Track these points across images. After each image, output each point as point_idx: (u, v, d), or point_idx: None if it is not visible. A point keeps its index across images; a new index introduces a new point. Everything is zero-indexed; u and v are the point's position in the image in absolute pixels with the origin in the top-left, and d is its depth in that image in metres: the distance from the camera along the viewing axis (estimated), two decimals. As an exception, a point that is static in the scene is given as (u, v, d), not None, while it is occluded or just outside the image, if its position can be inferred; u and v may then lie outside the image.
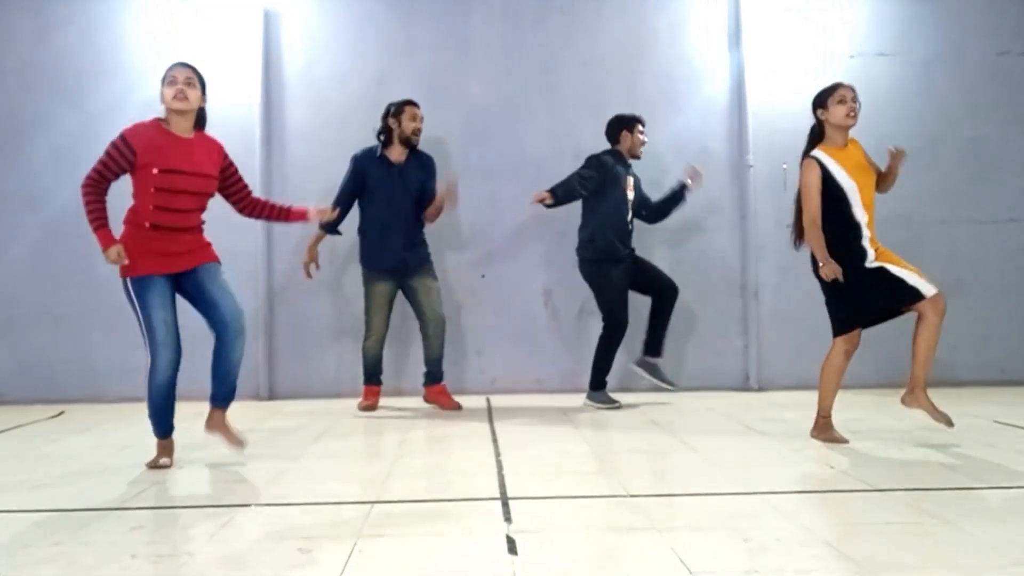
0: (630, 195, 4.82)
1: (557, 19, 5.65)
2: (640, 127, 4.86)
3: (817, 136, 3.69)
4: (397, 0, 5.61)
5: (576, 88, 5.62)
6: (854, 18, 5.68)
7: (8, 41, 5.49)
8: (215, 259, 3.36)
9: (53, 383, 5.39)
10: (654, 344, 4.86)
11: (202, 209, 3.36)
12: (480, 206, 5.50)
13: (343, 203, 4.64)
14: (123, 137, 3.23)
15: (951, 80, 5.68)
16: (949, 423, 3.48)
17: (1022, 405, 4.67)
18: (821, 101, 3.67)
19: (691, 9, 5.68)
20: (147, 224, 3.22)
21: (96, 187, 3.25)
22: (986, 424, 4.05)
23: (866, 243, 3.56)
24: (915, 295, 3.46)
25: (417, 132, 4.73)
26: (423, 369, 4.87)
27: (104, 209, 3.26)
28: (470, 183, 5.18)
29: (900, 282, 3.48)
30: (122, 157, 3.21)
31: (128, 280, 3.23)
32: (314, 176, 5.51)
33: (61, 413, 4.92)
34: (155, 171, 3.18)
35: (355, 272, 5.43)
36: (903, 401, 3.61)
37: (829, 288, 3.59)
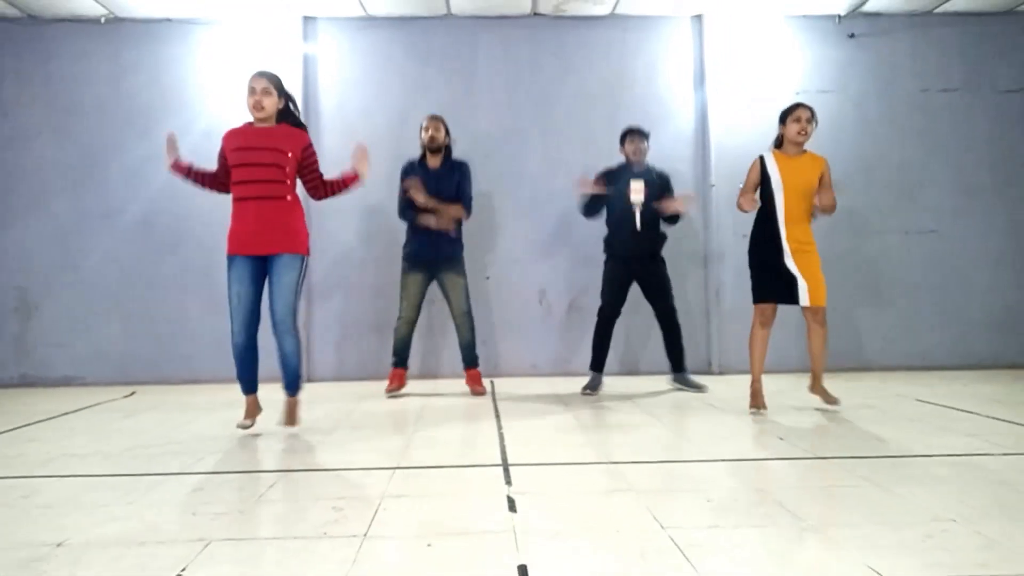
0: (635, 198, 4.43)
1: (551, 61, 5.65)
2: (635, 137, 4.57)
3: (778, 144, 3.80)
4: (414, 45, 5.61)
5: (566, 119, 5.62)
6: (799, 61, 5.68)
7: (89, 83, 5.49)
8: (289, 249, 3.26)
9: (125, 369, 5.39)
10: (672, 362, 4.66)
11: (281, 182, 3.27)
12: (485, 218, 5.50)
13: (402, 202, 4.59)
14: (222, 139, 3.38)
15: (881, 113, 5.67)
16: (837, 402, 3.68)
17: (941, 387, 4.67)
18: (782, 117, 3.74)
19: (663, 53, 5.68)
20: (233, 197, 3.28)
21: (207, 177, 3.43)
22: (910, 402, 4.06)
23: (783, 238, 3.63)
24: (796, 300, 3.59)
25: (432, 140, 4.58)
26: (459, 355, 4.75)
27: (200, 174, 3.41)
28: (477, 200, 5.16)
29: (792, 284, 3.59)
30: (220, 154, 3.36)
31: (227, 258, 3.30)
32: (345, 196, 5.49)
33: (132, 393, 4.92)
34: (231, 150, 3.28)
35: (383, 273, 5.45)
36: (809, 389, 3.77)
37: (749, 264, 3.78)
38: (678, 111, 5.66)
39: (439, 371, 5.52)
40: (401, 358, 4.73)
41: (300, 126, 3.43)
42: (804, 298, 3.58)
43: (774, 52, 5.67)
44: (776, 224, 3.67)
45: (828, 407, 3.70)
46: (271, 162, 3.25)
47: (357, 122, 5.57)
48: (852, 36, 5.67)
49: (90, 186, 5.47)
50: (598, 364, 4.65)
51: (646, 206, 4.44)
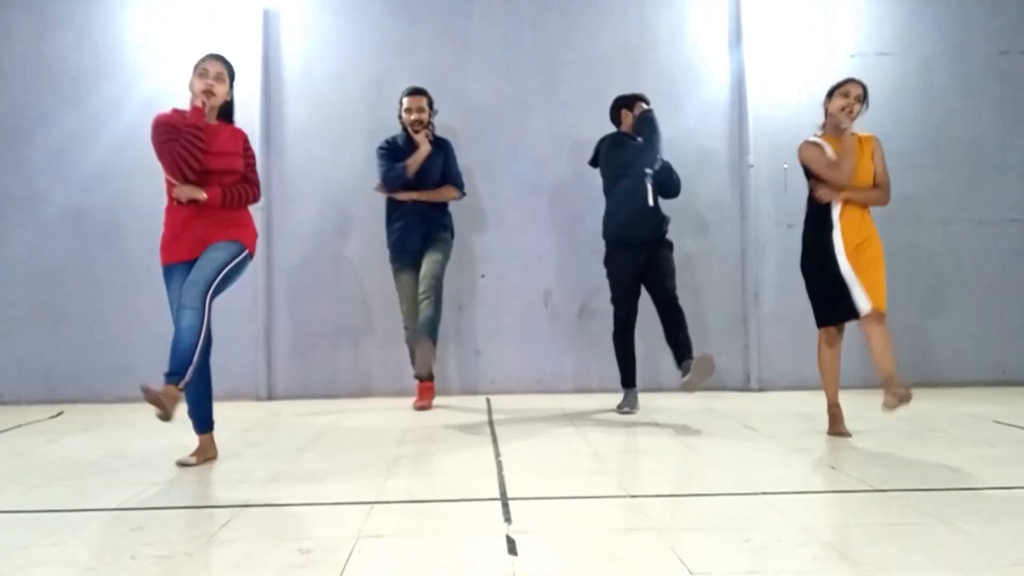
0: (648, 172, 4.54)
1: (557, 18, 5.65)
2: (643, 105, 4.64)
3: (824, 127, 3.82)
4: (397, 0, 5.62)
5: (576, 88, 5.62)
6: (854, 18, 5.69)
7: (6, 40, 5.50)
8: (232, 238, 3.28)
9: (51, 384, 5.40)
10: (677, 352, 4.49)
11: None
12: (480, 205, 5.51)
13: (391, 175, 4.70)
14: (152, 126, 3.30)
15: (951, 79, 5.68)
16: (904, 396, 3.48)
17: (1022, 405, 4.67)
18: (830, 91, 3.77)
19: (692, 8, 5.69)
20: (173, 205, 3.30)
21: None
22: (986, 424, 4.06)
23: (836, 236, 3.64)
24: (853, 313, 3.60)
25: (417, 123, 4.68)
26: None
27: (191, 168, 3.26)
28: (470, 182, 5.18)
29: (848, 297, 3.59)
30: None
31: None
32: (313, 175, 5.53)
33: (60, 414, 4.92)
34: None
35: (359, 272, 5.46)
36: (883, 406, 3.57)
37: (805, 283, 3.82)
38: (709, 78, 5.67)
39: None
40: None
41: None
42: (863, 305, 3.55)
43: (824, 6, 5.67)
44: (829, 224, 3.68)
45: (933, 422, 3.67)
46: (231, 169, 3.31)
47: (327, 90, 5.58)
48: (917, -12, 5.68)
49: (9, 165, 5.47)
50: (628, 379, 4.66)
51: (654, 179, 4.56)
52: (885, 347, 3.59)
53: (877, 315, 3.59)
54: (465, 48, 5.63)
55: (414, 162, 4.66)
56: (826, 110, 3.77)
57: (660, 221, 4.59)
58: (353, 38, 5.61)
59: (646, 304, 4.62)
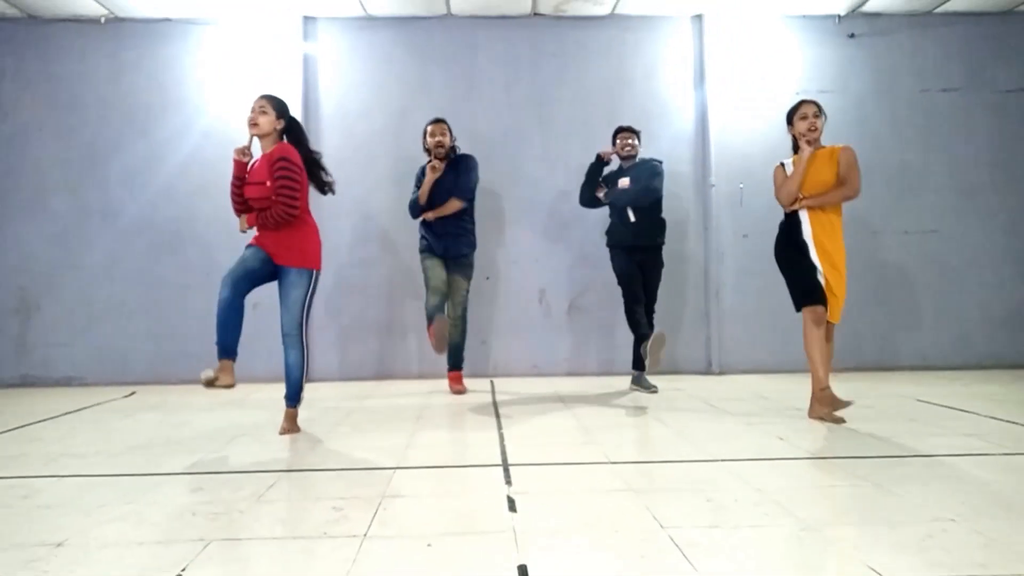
0: (623, 189, 4.57)
1: (549, 62, 5.65)
2: (623, 134, 4.63)
3: (795, 149, 3.62)
4: (415, 46, 5.62)
5: (566, 120, 5.62)
6: (800, 60, 5.68)
7: (89, 81, 5.50)
8: (296, 264, 3.30)
9: (125, 368, 5.40)
10: (636, 364, 4.63)
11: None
12: (485, 219, 5.50)
13: (412, 203, 4.68)
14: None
15: (881, 113, 5.68)
16: (842, 409, 3.42)
17: (940, 387, 4.67)
18: (789, 118, 3.62)
19: (663, 53, 5.69)
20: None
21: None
22: (910, 402, 4.06)
23: (810, 246, 3.47)
24: (824, 301, 3.43)
25: (439, 146, 4.58)
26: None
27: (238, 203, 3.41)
28: (478, 199, 5.17)
29: (814, 290, 3.44)
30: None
31: None
32: (345, 194, 5.46)
33: (133, 393, 4.92)
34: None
35: (384, 273, 5.47)
36: (809, 415, 3.51)
37: (782, 270, 3.60)
38: (678, 111, 5.67)
39: (440, 372, 5.52)
40: (455, 361, 4.70)
41: (299, 143, 3.43)
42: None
43: (774, 52, 5.67)
44: (800, 232, 3.50)
45: (862, 405, 3.44)
46: (259, 195, 3.31)
47: (357, 122, 5.58)
48: (852, 36, 5.67)
49: (90, 185, 5.47)
50: (636, 362, 4.61)
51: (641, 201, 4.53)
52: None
53: (831, 330, 3.47)
54: (472, 87, 5.63)
55: (423, 191, 4.57)
56: (793, 135, 3.60)
57: (640, 231, 4.54)
58: (379, 79, 5.61)
59: (618, 301, 4.61)
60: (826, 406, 3.44)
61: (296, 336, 3.30)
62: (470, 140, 5.45)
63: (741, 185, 5.57)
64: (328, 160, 5.47)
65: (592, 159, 4.71)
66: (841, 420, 3.38)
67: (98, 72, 5.50)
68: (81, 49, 5.49)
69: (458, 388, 4.69)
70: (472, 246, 4.74)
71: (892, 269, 5.65)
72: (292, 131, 3.41)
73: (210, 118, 5.46)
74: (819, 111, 3.54)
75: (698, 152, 5.64)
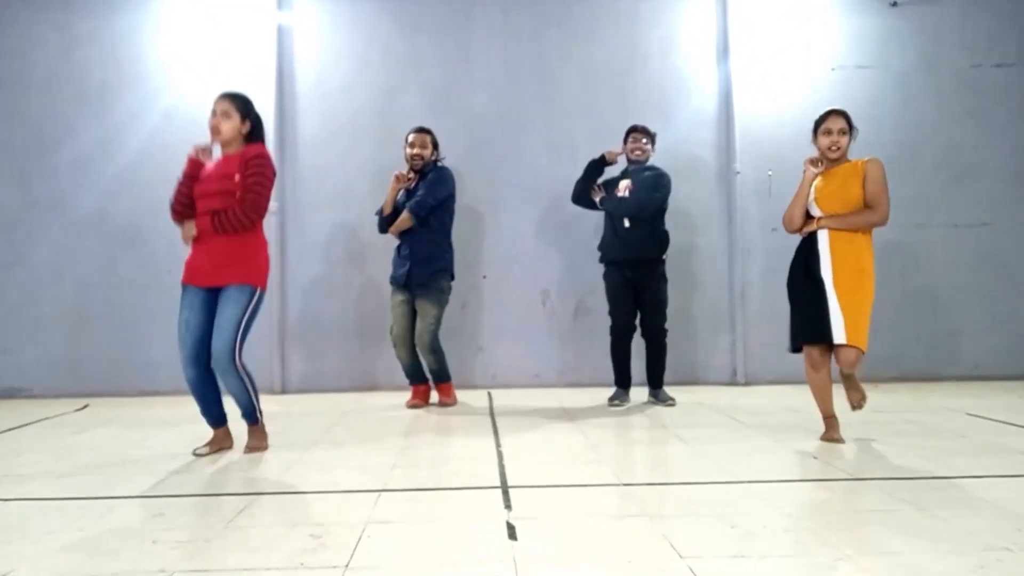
0: (621, 196, 4.62)
1: (554, 33, 5.65)
2: (635, 135, 4.68)
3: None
4: (403, 16, 5.62)
5: (572, 99, 5.62)
6: (836, 32, 5.69)
7: (35, 55, 5.50)
8: (238, 280, 3.26)
9: (77, 378, 5.40)
10: (651, 380, 4.68)
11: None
12: (481, 210, 5.51)
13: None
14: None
15: (927, 91, 5.68)
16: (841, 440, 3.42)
17: (992, 399, 4.67)
18: (815, 127, 3.54)
19: (681, 24, 5.69)
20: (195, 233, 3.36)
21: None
22: (959, 416, 4.06)
23: (822, 268, 3.40)
24: (826, 336, 3.35)
25: (415, 158, 4.60)
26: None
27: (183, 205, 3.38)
28: (472, 189, 5.19)
29: (823, 318, 3.35)
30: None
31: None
32: (324, 182, 5.53)
33: (85, 406, 4.92)
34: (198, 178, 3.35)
35: (366, 272, 5.47)
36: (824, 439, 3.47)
37: (791, 302, 3.58)
38: (698, 89, 5.67)
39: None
40: (416, 377, 4.76)
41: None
42: (839, 334, 3.30)
43: (807, 23, 5.67)
44: (816, 250, 3.43)
45: (895, 424, 3.41)
46: (221, 189, 3.26)
47: (338, 102, 5.58)
48: (895, 4, 5.68)
49: (37, 173, 5.47)
50: (622, 381, 4.71)
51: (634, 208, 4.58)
52: (828, 388, 3.45)
53: (853, 353, 3.33)
54: (467, 61, 5.63)
55: (387, 202, 4.65)
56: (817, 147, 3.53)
57: (631, 241, 4.57)
58: (362, 52, 5.61)
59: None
60: (831, 431, 3.47)
61: (228, 362, 3.21)
62: (466, 123, 5.46)
63: (770, 172, 5.57)
64: (305, 144, 5.59)
65: (597, 154, 4.74)
66: (841, 441, 3.41)
67: (46, 46, 5.50)
68: (28, 21, 5.49)
69: (445, 400, 4.69)
70: (444, 271, 4.64)
71: (939, 267, 5.65)
72: (255, 133, 3.39)
73: (173, 97, 5.45)
74: (847, 128, 3.45)
75: (721, 135, 5.65)
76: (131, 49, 5.52)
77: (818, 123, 3.53)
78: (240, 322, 3.24)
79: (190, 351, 3.27)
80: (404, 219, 4.56)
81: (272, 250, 5.37)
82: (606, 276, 4.76)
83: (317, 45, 5.61)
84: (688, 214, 5.52)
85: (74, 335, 5.44)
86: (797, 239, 3.64)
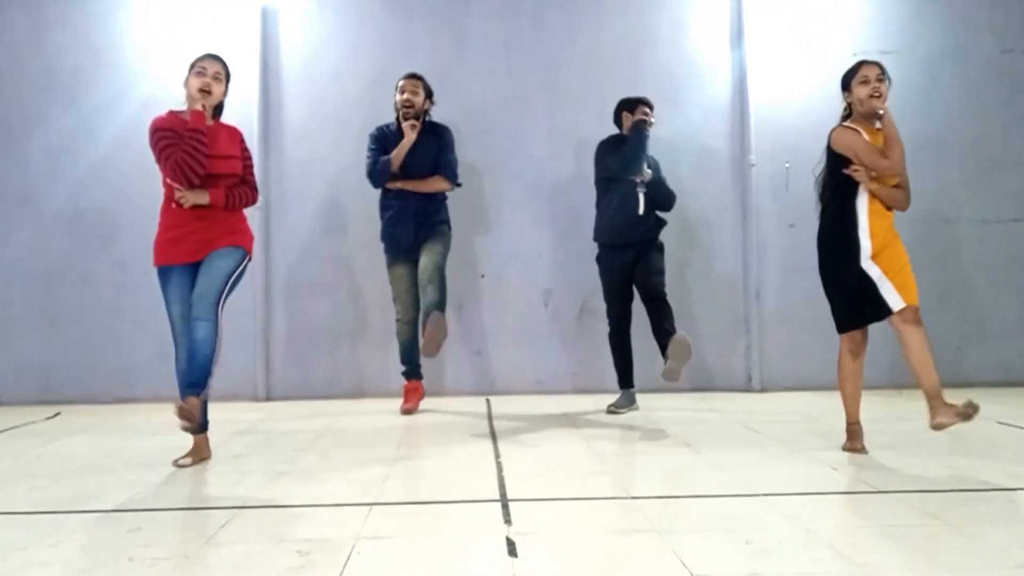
0: (637, 179, 4.57)
1: (557, 16, 5.65)
2: (646, 109, 4.63)
3: (844, 117, 3.54)
4: (396, -2, 5.62)
5: (577, 86, 5.62)
6: (857, 16, 5.69)
7: (3, 39, 5.49)
8: (230, 243, 3.32)
9: (48, 385, 5.39)
10: (661, 346, 4.52)
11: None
12: (479, 204, 5.51)
13: (377, 169, 4.61)
14: (151, 131, 3.31)
15: (955, 78, 5.68)
16: (973, 412, 3.15)
17: (1026, 406, 4.67)
18: (845, 83, 3.49)
19: (693, 6, 5.69)
20: (172, 207, 3.32)
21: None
22: (989, 425, 4.05)
23: (863, 235, 3.34)
24: (886, 311, 3.28)
25: (407, 104, 4.60)
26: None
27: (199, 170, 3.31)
28: (470, 181, 5.18)
29: (876, 296, 3.29)
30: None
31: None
32: (311, 173, 5.53)
33: (57, 415, 4.92)
34: None
35: (357, 270, 5.46)
36: (933, 427, 3.27)
37: (823, 282, 3.50)
38: (711, 76, 5.67)
39: (429, 387, 5.53)
40: (412, 367, 4.76)
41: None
42: (894, 300, 3.25)
43: (826, 5, 5.67)
44: (854, 221, 3.37)
45: (951, 426, 3.18)
46: (230, 171, 3.34)
47: (327, 88, 5.58)
48: (921, -14, 5.68)
49: (6, 164, 5.47)
50: (624, 380, 4.68)
51: (646, 190, 4.56)
52: (925, 353, 3.26)
53: (913, 313, 3.28)
54: (464, 46, 5.63)
55: (398, 154, 4.53)
56: (848, 104, 3.50)
57: (649, 227, 4.61)
58: (352, 37, 5.61)
59: (641, 306, 4.62)
60: (848, 441, 3.46)
61: (211, 306, 3.20)
62: (463, 111, 5.46)
63: (787, 165, 5.57)
64: (292, 133, 5.59)
65: (626, 133, 4.70)
66: (864, 451, 3.39)
67: (15, 29, 5.50)
68: (-5, 1, 5.50)
69: (431, 336, 4.30)
70: (445, 223, 4.74)
71: (968, 265, 5.65)
72: (221, 105, 3.47)
73: (151, 84, 5.44)
74: (883, 73, 3.44)
75: (735, 125, 5.65)
76: (106, 33, 5.52)
77: (850, 75, 3.48)
78: (231, 275, 3.29)
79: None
80: (441, 183, 4.62)
81: (255, 247, 5.43)
82: (605, 263, 4.68)
83: (304, 29, 5.61)
84: (700, 209, 5.51)
85: (44, 338, 5.43)
86: (814, 235, 3.62)
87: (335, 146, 5.55)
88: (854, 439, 3.46)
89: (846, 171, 3.37)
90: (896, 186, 3.44)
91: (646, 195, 4.57)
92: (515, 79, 5.63)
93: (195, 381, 3.17)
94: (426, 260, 4.56)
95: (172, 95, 5.31)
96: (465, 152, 5.29)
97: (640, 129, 4.57)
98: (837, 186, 3.43)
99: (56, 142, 5.46)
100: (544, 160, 5.58)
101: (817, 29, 5.66)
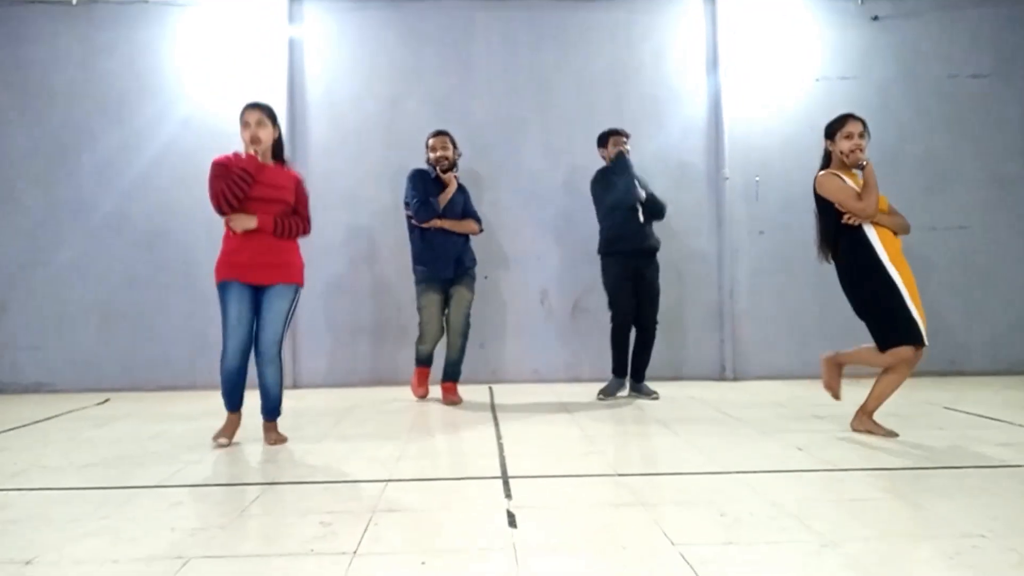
0: (638, 192, 4.57)
1: (551, 44, 5.65)
2: (620, 139, 4.64)
3: (826, 162, 3.49)
4: (407, 29, 5.62)
5: (569, 107, 5.62)
6: (819, 45, 5.69)
7: (58, 65, 5.50)
8: (284, 280, 3.37)
9: (99, 374, 5.40)
10: (635, 370, 4.68)
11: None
12: (482, 213, 5.48)
13: (424, 206, 4.55)
14: (210, 166, 3.34)
15: (906, 100, 5.68)
16: (894, 435, 3.32)
17: (969, 393, 4.68)
18: (830, 132, 3.43)
19: (673, 36, 5.69)
20: (231, 235, 3.35)
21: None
22: (936, 410, 4.06)
23: (884, 259, 3.27)
24: (920, 341, 3.23)
25: (441, 160, 4.60)
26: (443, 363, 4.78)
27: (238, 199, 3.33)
28: (473, 193, 5.16)
29: (914, 323, 3.24)
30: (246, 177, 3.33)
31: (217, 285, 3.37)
32: (333, 185, 5.53)
33: (106, 400, 4.92)
34: (253, 195, 3.32)
35: (375, 272, 5.46)
36: (852, 427, 3.43)
37: (867, 315, 3.32)
38: (689, 99, 5.67)
39: (435, 376, 5.53)
40: (428, 360, 4.79)
41: (284, 161, 3.55)
42: (920, 335, 3.25)
43: (792, 35, 5.68)
44: (872, 248, 3.28)
45: (890, 416, 3.31)
46: (280, 199, 3.36)
47: (346, 110, 5.58)
48: (875, 18, 5.68)
49: (61, 177, 5.47)
50: (621, 369, 4.65)
51: (643, 203, 4.57)
52: (895, 386, 3.32)
53: (919, 357, 3.27)
54: (468, 72, 5.63)
55: (444, 198, 4.58)
56: (828, 152, 3.45)
57: (650, 233, 4.62)
58: (369, 63, 5.61)
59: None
60: (870, 426, 3.40)
61: (276, 353, 3.36)
62: (467, 130, 5.46)
63: (757, 178, 5.57)
64: (316, 150, 5.59)
65: (594, 157, 4.75)
66: (894, 434, 3.33)
67: (70, 57, 5.50)
68: (52, 33, 5.49)
69: (452, 399, 4.65)
70: (475, 260, 4.78)
71: (917, 268, 5.50)
72: (280, 143, 3.48)
73: (189, 106, 5.46)
74: (865, 129, 3.38)
75: (711, 142, 5.65)
76: (150, 60, 5.52)
77: (835, 127, 3.41)
78: (288, 315, 3.39)
79: (239, 342, 3.28)
80: (473, 227, 4.69)
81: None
82: (610, 268, 4.63)
83: (326, 57, 5.61)
84: (680, 218, 5.51)
85: (96, 333, 5.43)
86: (783, 243, 3.63)
87: (355, 161, 5.55)
88: (881, 426, 3.38)
89: (844, 221, 3.32)
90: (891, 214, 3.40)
91: (644, 208, 4.58)
92: (514, 101, 5.63)
93: (271, 411, 3.45)
94: (458, 309, 4.65)
95: (208, 115, 5.39)
96: (469, 167, 5.30)
97: (622, 159, 4.57)
98: (841, 226, 3.36)
99: (105, 157, 5.46)
100: (540, 173, 5.58)
101: (784, 57, 5.66)
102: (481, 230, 4.78)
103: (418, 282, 4.65)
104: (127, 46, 5.52)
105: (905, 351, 3.26)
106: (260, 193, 3.30)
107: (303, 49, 5.58)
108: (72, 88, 5.50)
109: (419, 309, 4.66)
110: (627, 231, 4.57)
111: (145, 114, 5.48)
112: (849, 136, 3.36)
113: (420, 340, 4.70)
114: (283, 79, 5.47)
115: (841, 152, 3.38)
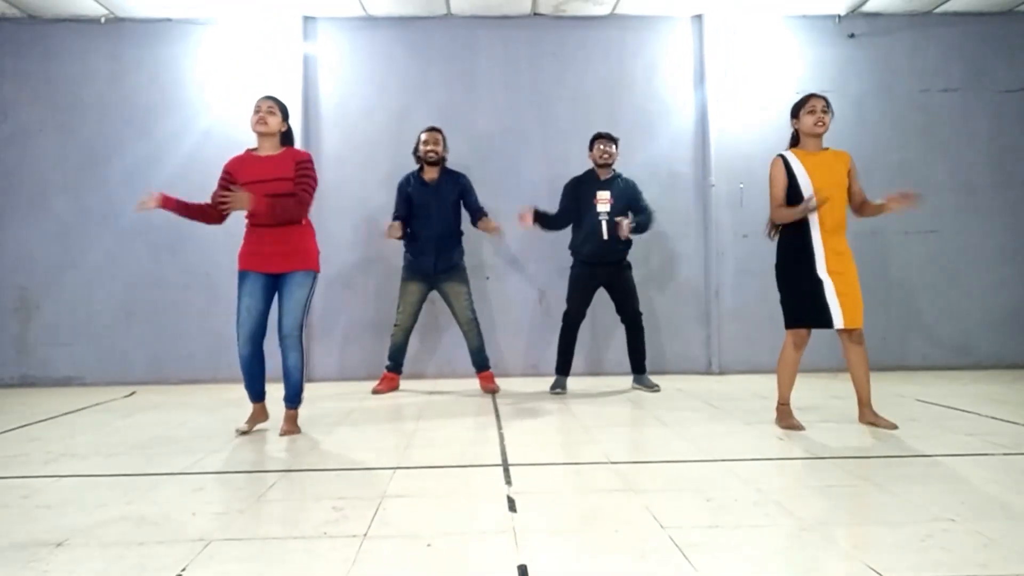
0: (601, 208, 4.54)
1: (550, 61, 5.65)
2: (601, 144, 4.60)
3: (793, 143, 3.47)
4: (415, 46, 5.62)
5: (566, 119, 5.62)
6: (799, 60, 5.69)
7: (89, 81, 5.50)
8: (300, 267, 3.33)
9: (125, 368, 5.40)
10: (634, 364, 4.69)
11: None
12: (485, 219, 5.50)
13: (401, 217, 4.64)
14: (224, 168, 3.40)
15: (881, 113, 5.68)
16: (894, 427, 3.28)
17: (939, 386, 4.67)
18: (795, 112, 3.41)
19: (663, 53, 5.69)
20: (250, 223, 3.36)
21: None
22: (909, 402, 4.06)
23: (816, 246, 3.26)
24: (828, 323, 3.22)
25: (431, 153, 4.62)
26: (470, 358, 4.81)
27: (191, 208, 3.42)
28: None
29: (825, 306, 3.22)
30: (222, 183, 3.37)
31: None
32: (346, 193, 5.54)
33: (133, 393, 4.92)
34: (246, 183, 3.30)
35: (383, 273, 5.46)
36: (860, 419, 3.39)
37: (779, 284, 3.37)
38: (678, 111, 5.67)
39: (440, 370, 5.53)
40: (396, 363, 4.79)
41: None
42: (838, 320, 3.20)
43: (774, 52, 5.68)
44: (809, 234, 3.27)
45: (887, 431, 3.25)
46: (285, 192, 3.31)
47: (358, 122, 5.58)
48: (852, 36, 5.68)
49: (91, 185, 5.47)
50: (565, 368, 4.65)
51: (611, 216, 4.51)
52: (863, 368, 3.31)
53: (859, 335, 3.27)
54: (472, 86, 5.63)
55: (391, 232, 4.53)
56: (796, 130, 3.42)
57: (616, 248, 4.56)
58: (379, 78, 5.61)
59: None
60: (784, 420, 3.39)
61: (297, 338, 3.32)
62: (471, 140, 5.46)
63: (741, 185, 5.57)
64: (328, 159, 5.58)
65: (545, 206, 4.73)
66: (800, 427, 3.31)
67: (98, 72, 5.50)
68: (81, 49, 5.50)
69: (490, 387, 4.65)
70: (462, 253, 4.76)
71: (892, 269, 5.65)
72: (290, 135, 3.46)
73: (211, 118, 5.46)
74: (827, 106, 3.37)
75: (698, 152, 5.65)
76: (174, 75, 5.52)
77: (799, 105, 3.40)
78: (306, 301, 3.35)
79: (249, 331, 3.28)
80: (491, 223, 4.65)
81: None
82: (575, 269, 4.65)
83: (339, 72, 5.61)
84: (669, 222, 5.51)
85: (122, 330, 5.44)
86: (766, 246, 3.60)
87: (365, 170, 5.55)
88: (788, 417, 3.38)
89: (811, 208, 3.24)
90: (863, 202, 3.43)
91: (607, 223, 4.50)
92: (514, 114, 5.63)
93: (290, 397, 3.40)
94: (458, 303, 4.65)
95: (228, 127, 5.39)
96: (472, 174, 5.28)
97: (610, 230, 4.51)
98: (788, 198, 3.33)
99: (132, 166, 5.46)
100: (539, 182, 5.57)
101: (766, 72, 5.66)
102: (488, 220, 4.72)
103: (403, 274, 4.73)
104: (152, 62, 5.52)
105: (792, 333, 3.33)
106: (263, 178, 3.29)
107: (317, 65, 5.58)
108: (101, 102, 5.50)
109: (399, 296, 4.72)
110: (588, 245, 4.56)
111: (169, 126, 5.49)
112: (812, 111, 3.34)
113: (394, 326, 4.74)
114: (298, 93, 5.46)
115: (805, 128, 3.36)
